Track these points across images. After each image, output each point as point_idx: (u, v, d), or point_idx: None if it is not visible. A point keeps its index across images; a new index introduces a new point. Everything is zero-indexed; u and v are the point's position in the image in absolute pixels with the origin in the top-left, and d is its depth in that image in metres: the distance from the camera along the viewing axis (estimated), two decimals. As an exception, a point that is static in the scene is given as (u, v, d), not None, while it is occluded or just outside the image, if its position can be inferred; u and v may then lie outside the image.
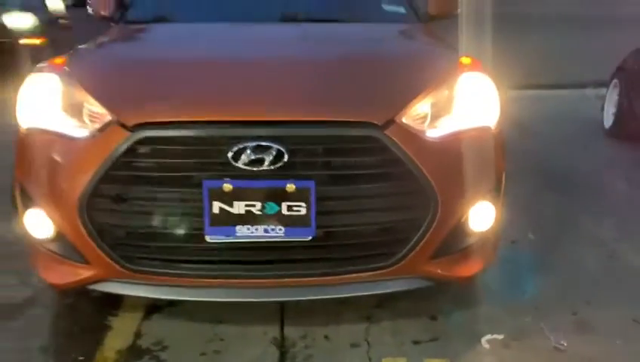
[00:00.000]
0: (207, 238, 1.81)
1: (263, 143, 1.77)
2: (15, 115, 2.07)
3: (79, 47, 2.44)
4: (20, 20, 7.36)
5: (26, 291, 2.42)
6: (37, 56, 6.25)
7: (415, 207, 1.88)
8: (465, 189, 1.93)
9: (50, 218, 1.95)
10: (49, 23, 8.01)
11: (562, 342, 2.06)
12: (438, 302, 2.28)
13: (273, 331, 2.12)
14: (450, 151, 1.91)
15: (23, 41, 7.14)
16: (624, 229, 3.03)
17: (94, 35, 2.67)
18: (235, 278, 1.91)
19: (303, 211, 1.79)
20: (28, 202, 2.01)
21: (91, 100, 1.94)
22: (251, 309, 2.21)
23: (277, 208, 1.78)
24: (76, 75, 2.06)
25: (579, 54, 7.06)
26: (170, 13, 2.87)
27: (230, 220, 1.79)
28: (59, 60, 2.24)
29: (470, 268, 2.06)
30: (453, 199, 1.90)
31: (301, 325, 2.14)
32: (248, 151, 1.76)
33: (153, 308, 2.27)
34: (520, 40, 7.13)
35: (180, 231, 1.85)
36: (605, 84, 5.37)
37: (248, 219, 1.79)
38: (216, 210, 1.78)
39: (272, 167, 1.77)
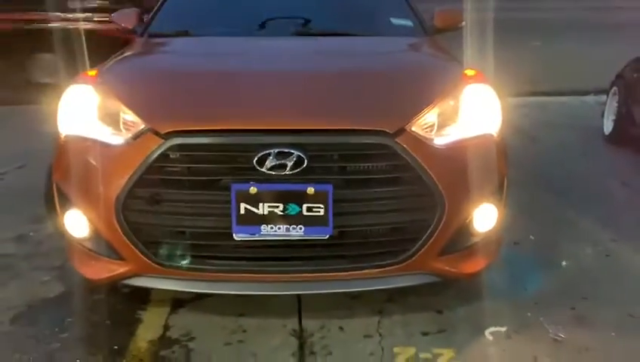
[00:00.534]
0: (235, 236, 1.98)
1: (285, 150, 1.93)
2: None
3: (110, 60, 2.61)
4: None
5: (59, 287, 2.60)
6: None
7: (424, 209, 2.04)
8: (469, 192, 2.08)
9: (88, 218, 2.11)
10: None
11: (560, 334, 2.22)
12: (445, 297, 2.45)
13: (292, 323, 2.29)
14: (455, 157, 2.07)
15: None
16: (620, 230, 3.17)
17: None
18: (259, 273, 2.08)
19: (321, 212, 1.95)
20: (66, 203, 2.17)
21: (126, 110, 2.11)
22: (271, 303, 2.38)
23: (298, 209, 1.95)
24: (110, 87, 2.24)
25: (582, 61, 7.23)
26: (191, 27, 3.04)
27: (255, 220, 1.95)
28: (92, 73, 2.42)
29: (475, 265, 2.22)
30: (458, 201, 2.06)
31: (318, 318, 2.31)
32: (271, 157, 1.93)
33: (179, 302, 2.44)
34: (522, 47, 7.34)
35: (209, 230, 2.02)
36: (606, 92, 5.52)
37: (272, 218, 1.95)
38: (242, 210, 1.94)
39: (293, 172, 1.94)
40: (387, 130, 1.99)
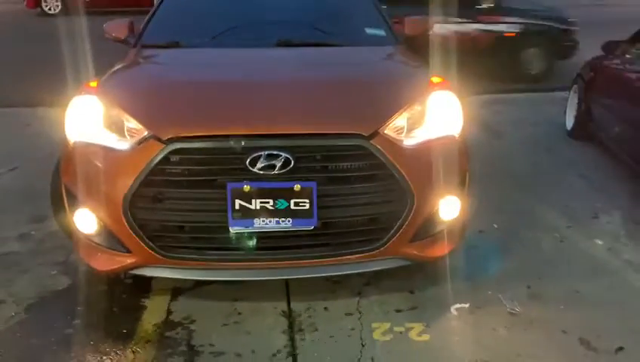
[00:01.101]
0: (231, 229, 2.24)
1: (274, 152, 2.21)
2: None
3: (109, 71, 2.84)
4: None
5: (66, 280, 2.83)
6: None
7: (395, 201, 2.33)
8: (435, 186, 2.37)
9: (97, 216, 2.35)
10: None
11: (516, 308, 2.55)
12: (416, 279, 2.76)
13: (282, 306, 2.58)
14: (422, 156, 2.36)
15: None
16: (575, 218, 3.51)
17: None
18: (252, 261, 2.35)
19: (307, 206, 2.22)
20: (75, 203, 2.40)
21: (129, 118, 2.35)
22: (263, 288, 2.65)
23: (286, 204, 2.22)
24: (114, 97, 2.48)
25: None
26: (181, 38, 3.25)
27: (249, 214, 2.22)
28: (93, 84, 2.65)
29: (441, 250, 2.52)
30: (426, 195, 2.35)
31: (305, 300, 2.60)
32: (262, 159, 2.20)
33: (178, 291, 2.70)
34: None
35: (208, 224, 2.28)
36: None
37: (263, 213, 2.23)
38: (237, 206, 2.21)
39: (282, 171, 2.21)
40: (363, 134, 2.28)
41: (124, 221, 2.27)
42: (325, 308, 2.56)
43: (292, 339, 2.37)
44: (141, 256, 2.34)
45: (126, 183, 2.24)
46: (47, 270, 2.92)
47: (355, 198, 2.29)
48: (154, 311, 2.57)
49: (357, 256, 2.37)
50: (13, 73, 7.50)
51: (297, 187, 2.21)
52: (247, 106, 2.40)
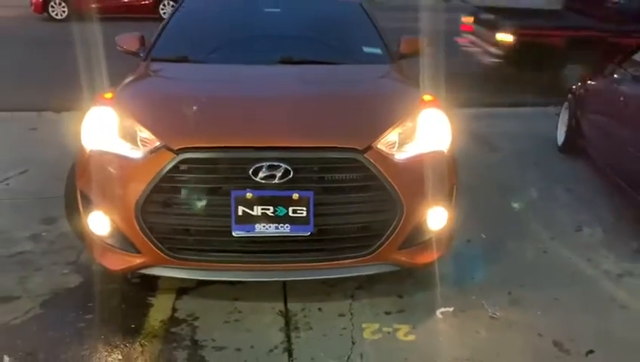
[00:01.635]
0: (233, 233, 2.43)
1: (275, 163, 2.40)
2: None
3: (123, 83, 3.04)
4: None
5: (78, 278, 3.01)
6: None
7: (387, 211, 2.51)
8: (424, 198, 2.57)
9: (110, 219, 2.54)
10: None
11: (497, 313, 2.73)
12: (405, 284, 2.95)
13: (279, 306, 2.77)
14: (413, 169, 2.56)
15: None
16: (559, 230, 3.69)
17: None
18: (253, 263, 2.54)
19: (304, 214, 2.42)
20: (90, 207, 2.60)
21: (142, 129, 2.55)
22: (262, 289, 2.84)
23: (285, 211, 2.41)
24: (128, 109, 2.68)
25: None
26: (190, 53, 3.45)
27: (250, 220, 2.41)
28: (108, 95, 2.85)
29: (429, 257, 2.71)
30: (415, 205, 2.54)
31: (300, 301, 2.79)
32: (264, 169, 2.39)
33: (183, 290, 2.89)
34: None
35: (212, 228, 2.47)
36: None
37: (264, 219, 2.42)
38: (240, 212, 2.40)
39: (281, 181, 2.40)
40: (357, 148, 2.47)
41: (136, 224, 2.46)
42: (319, 309, 2.75)
43: (288, 336, 2.55)
44: (150, 256, 2.53)
45: (138, 189, 2.43)
46: (60, 269, 3.10)
47: (349, 207, 2.48)
48: (160, 308, 2.75)
49: (350, 261, 2.56)
50: (18, 77, 7.67)
51: (296, 196, 2.40)
52: (251, 120, 2.61)
